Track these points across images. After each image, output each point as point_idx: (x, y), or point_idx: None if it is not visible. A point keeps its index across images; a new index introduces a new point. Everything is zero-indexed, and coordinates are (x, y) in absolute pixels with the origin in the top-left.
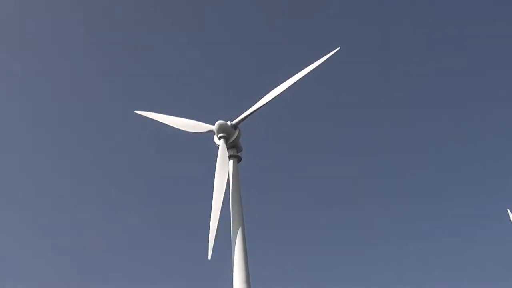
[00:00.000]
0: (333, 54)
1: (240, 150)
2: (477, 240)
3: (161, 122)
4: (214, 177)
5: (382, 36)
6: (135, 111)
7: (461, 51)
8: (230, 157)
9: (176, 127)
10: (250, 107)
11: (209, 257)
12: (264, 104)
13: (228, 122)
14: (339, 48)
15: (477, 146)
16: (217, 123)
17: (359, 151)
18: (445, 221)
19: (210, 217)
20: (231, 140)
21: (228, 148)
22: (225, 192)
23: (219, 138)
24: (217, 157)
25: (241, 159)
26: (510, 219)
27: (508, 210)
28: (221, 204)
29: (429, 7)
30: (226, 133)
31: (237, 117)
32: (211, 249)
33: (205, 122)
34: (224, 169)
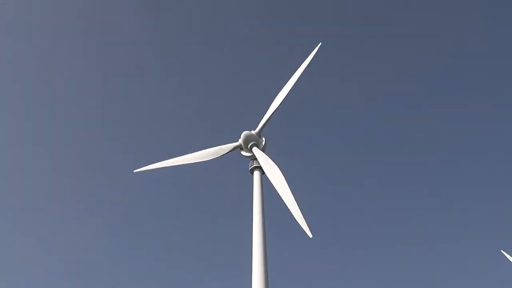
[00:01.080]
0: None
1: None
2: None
3: (168, 167)
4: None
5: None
6: (135, 171)
7: None
8: (255, 168)
9: (194, 161)
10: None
11: (310, 235)
12: (278, 107)
13: (252, 131)
14: (320, 44)
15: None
16: (243, 134)
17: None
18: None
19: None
20: (261, 147)
21: (252, 160)
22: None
23: (251, 148)
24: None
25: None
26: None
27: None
28: (291, 195)
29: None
30: (255, 141)
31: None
32: (307, 228)
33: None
34: (274, 169)
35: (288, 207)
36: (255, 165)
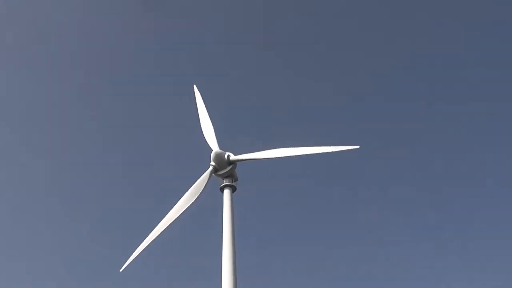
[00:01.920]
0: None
1: (236, 180)
2: None
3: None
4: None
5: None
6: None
7: None
8: (225, 186)
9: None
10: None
11: (121, 270)
12: (266, 158)
13: (227, 154)
14: (358, 147)
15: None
16: (213, 153)
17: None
18: None
19: None
20: (221, 172)
21: (223, 178)
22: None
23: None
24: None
25: (236, 189)
26: None
27: None
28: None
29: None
30: (218, 164)
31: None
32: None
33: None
34: (193, 191)
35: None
36: (225, 183)
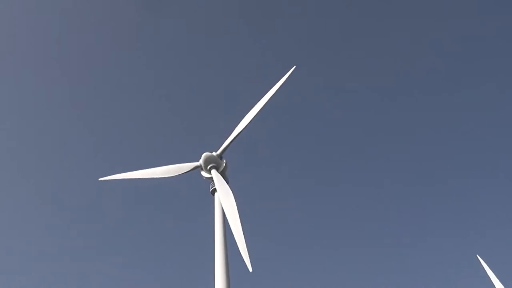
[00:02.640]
0: (290, 74)
1: (226, 182)
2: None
3: (131, 179)
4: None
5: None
6: (100, 179)
7: None
8: (215, 190)
9: (156, 177)
10: (225, 138)
11: (250, 269)
12: (241, 131)
13: (214, 153)
14: (294, 67)
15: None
16: (203, 155)
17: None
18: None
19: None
20: (220, 170)
21: (212, 181)
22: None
23: (210, 169)
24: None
25: None
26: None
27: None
28: (239, 223)
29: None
30: (215, 163)
31: (217, 149)
32: (248, 261)
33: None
34: (228, 193)
35: (235, 236)
36: (215, 186)
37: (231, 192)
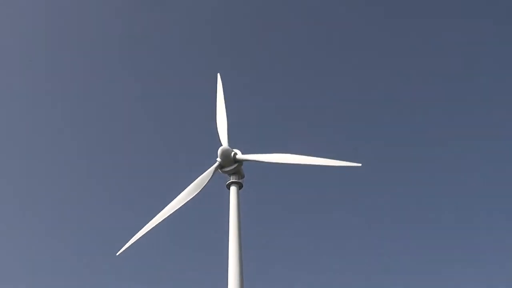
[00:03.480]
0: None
1: (242, 177)
2: None
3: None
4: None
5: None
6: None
7: None
8: (232, 183)
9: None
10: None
11: (118, 253)
12: (270, 162)
13: (234, 152)
14: (360, 165)
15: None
16: (220, 150)
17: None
18: None
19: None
20: (228, 169)
21: (230, 175)
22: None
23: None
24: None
25: (242, 185)
26: None
27: None
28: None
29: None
30: (223, 160)
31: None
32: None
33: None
34: (196, 187)
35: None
36: (232, 180)
37: (198, 189)
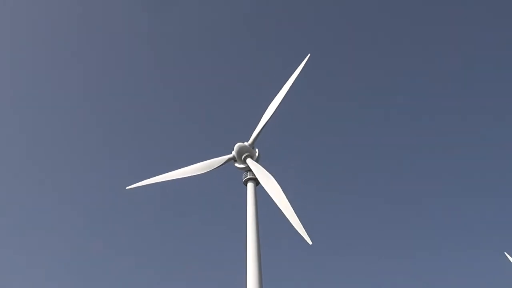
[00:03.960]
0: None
1: None
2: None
3: (158, 182)
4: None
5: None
6: (127, 187)
7: None
8: (248, 180)
9: (188, 175)
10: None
11: (310, 242)
12: (270, 118)
13: (245, 143)
14: (309, 55)
15: None
16: (237, 145)
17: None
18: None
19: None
20: (254, 159)
21: (246, 172)
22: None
23: (244, 159)
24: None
25: (259, 182)
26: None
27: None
28: (288, 203)
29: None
30: (249, 152)
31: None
32: (306, 235)
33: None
34: (270, 180)
35: (286, 216)
36: (248, 176)
37: (272, 176)
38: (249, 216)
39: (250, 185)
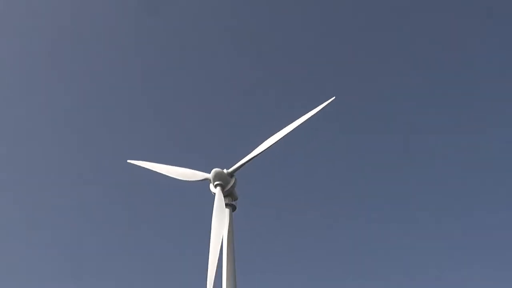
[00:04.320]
0: (327, 105)
1: (235, 199)
2: None
3: (154, 172)
4: (210, 225)
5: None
6: (128, 161)
7: None
8: (225, 206)
9: (171, 176)
10: (246, 155)
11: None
12: (260, 153)
13: (225, 170)
14: (333, 98)
15: None
16: (213, 171)
17: (362, 203)
18: None
19: (206, 267)
20: (227, 188)
21: (224, 197)
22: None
23: (215, 186)
24: (213, 205)
25: (236, 208)
26: None
27: None
28: (218, 253)
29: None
30: (222, 181)
31: (233, 165)
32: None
33: (200, 171)
34: (221, 216)
35: (209, 257)
36: (225, 202)
37: (227, 215)
38: (225, 243)
39: (226, 211)
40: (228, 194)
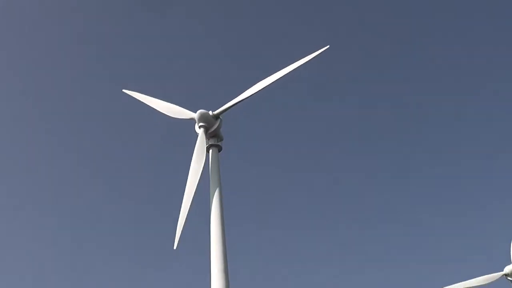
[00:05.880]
0: (321, 52)
1: (221, 140)
2: None
3: (146, 105)
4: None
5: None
6: (123, 90)
7: None
8: (211, 146)
9: (160, 111)
10: (234, 98)
11: (175, 247)
12: (248, 97)
13: (210, 112)
14: (328, 46)
15: None
16: (198, 112)
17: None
18: None
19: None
20: (211, 130)
21: (209, 138)
22: (198, 183)
23: (199, 127)
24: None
25: (221, 148)
26: None
27: None
28: (192, 195)
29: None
30: (207, 122)
31: (220, 107)
32: (178, 239)
33: (190, 109)
34: (200, 158)
35: (182, 203)
36: (210, 143)
37: (203, 159)
38: (211, 183)
39: (213, 152)
40: (214, 135)
